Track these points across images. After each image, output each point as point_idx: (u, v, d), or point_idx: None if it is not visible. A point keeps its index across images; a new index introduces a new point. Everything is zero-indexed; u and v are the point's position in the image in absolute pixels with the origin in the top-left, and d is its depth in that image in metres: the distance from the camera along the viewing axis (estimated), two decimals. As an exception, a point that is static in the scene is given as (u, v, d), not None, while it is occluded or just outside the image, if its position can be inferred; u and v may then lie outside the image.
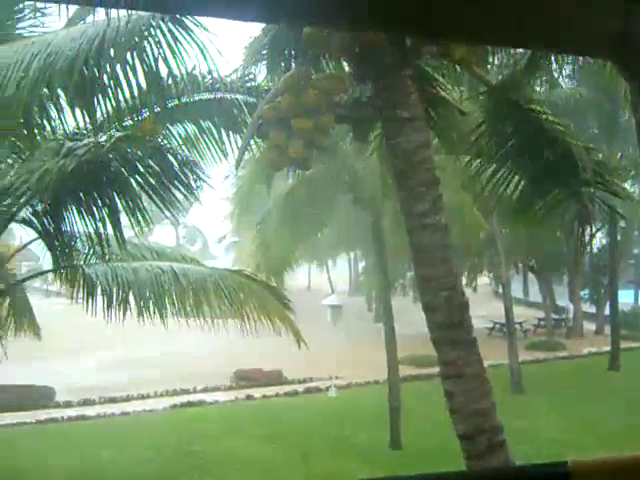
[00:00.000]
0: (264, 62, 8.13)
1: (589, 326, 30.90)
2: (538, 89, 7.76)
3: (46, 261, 9.96)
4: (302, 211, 15.54)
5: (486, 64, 7.76)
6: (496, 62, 7.99)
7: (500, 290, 26.14)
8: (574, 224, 7.78)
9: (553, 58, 7.70)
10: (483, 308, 26.90)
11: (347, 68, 7.23)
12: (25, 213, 8.50)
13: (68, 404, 18.98)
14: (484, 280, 33.52)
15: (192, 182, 8.61)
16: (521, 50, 7.37)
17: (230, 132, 8.85)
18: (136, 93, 7.19)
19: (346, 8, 2.48)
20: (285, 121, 5.92)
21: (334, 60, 6.95)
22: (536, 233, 19.69)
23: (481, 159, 7.98)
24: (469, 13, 1.96)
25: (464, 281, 24.47)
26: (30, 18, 9.44)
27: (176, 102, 8.57)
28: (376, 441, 14.03)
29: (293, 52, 7.37)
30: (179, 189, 8.50)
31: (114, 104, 7.30)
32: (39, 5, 8.83)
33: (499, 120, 7.40)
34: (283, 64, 7.61)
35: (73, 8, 8.14)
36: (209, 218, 57.79)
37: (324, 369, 20.41)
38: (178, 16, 6.46)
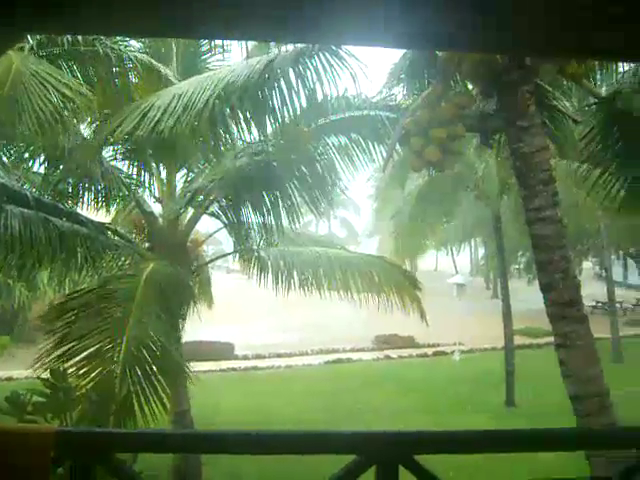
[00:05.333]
0: (402, 84, 8.04)
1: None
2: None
3: (228, 245, 10.30)
4: (431, 205, 15.34)
5: (593, 79, 7.36)
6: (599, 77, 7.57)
7: (601, 273, 24.77)
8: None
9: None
10: (586, 289, 25.52)
11: (470, 86, 7.03)
12: (213, 208, 8.80)
13: (245, 357, 19.67)
14: (586, 264, 31.88)
15: (331, 185, 8.70)
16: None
17: (375, 143, 8.83)
18: (298, 111, 7.28)
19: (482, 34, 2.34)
20: (423, 131, 5.82)
21: (463, 79, 6.76)
22: (636, 223, 18.44)
23: (591, 162, 7.59)
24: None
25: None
26: (216, 54, 9.77)
27: (331, 118, 8.64)
28: (494, 398, 13.67)
29: (427, 74, 7.25)
30: (322, 190, 8.61)
31: (280, 119, 7.41)
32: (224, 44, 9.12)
33: (607, 128, 6.98)
34: (418, 84, 7.50)
35: (251, 45, 8.38)
36: (358, 212, 58.49)
37: (450, 336, 20.08)
38: (334, 47, 6.48)
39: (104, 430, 2.76)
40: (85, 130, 8.58)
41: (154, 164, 8.88)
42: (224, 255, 12.23)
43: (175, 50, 9.30)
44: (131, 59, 7.43)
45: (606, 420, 5.54)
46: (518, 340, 16.57)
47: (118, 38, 7.28)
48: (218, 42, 8.86)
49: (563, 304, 5.66)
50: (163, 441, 2.05)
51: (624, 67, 7.31)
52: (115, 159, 8.73)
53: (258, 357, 19.70)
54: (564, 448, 2.28)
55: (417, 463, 1.88)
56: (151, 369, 6.25)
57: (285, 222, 8.83)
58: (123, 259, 8.39)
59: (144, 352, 6.27)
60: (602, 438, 2.48)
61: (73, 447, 1.89)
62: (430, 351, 20.45)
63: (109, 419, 5.72)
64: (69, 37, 6.69)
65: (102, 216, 8.80)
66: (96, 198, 8.37)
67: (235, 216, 8.72)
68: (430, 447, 1.98)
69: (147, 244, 8.89)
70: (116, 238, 8.58)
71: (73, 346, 6.29)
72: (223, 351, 19.40)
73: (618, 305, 23.25)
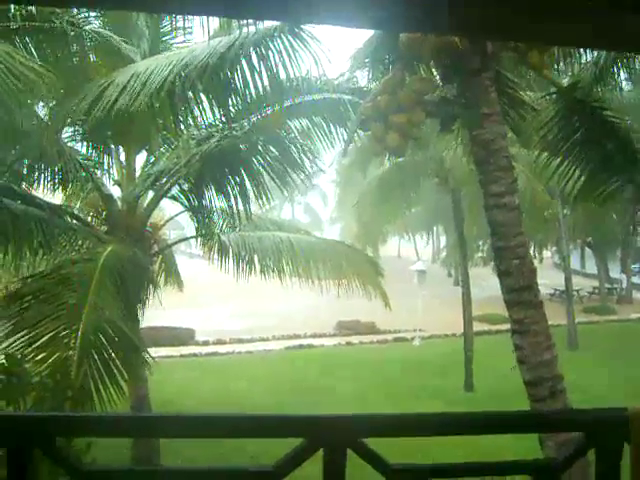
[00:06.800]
0: (366, 68, 8.04)
1: (637, 295, 29.92)
2: (602, 90, 7.36)
3: (190, 229, 10.21)
4: (393, 192, 15.41)
5: (556, 69, 7.46)
6: (562, 67, 7.67)
7: (560, 262, 25.25)
8: (631, 207, 7.42)
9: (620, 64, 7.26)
10: (545, 277, 26.01)
11: (434, 71, 7.05)
12: (174, 191, 8.69)
13: (205, 343, 19.57)
14: (546, 254, 32.49)
15: (307, 167, 8.62)
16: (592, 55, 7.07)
17: (337, 126, 8.83)
18: (262, 93, 7.19)
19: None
20: (384, 116, 5.83)
21: (425, 64, 6.78)
22: (593, 213, 18.82)
23: (550, 151, 7.70)
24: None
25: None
26: (179, 35, 9.59)
27: (293, 101, 8.59)
28: (452, 383, 13.86)
29: (391, 59, 7.25)
30: (296, 172, 8.54)
31: (243, 101, 7.32)
32: (186, 25, 8.94)
33: (567, 117, 7.08)
34: (382, 69, 7.50)
35: (213, 27, 8.24)
36: (323, 198, 58.41)
37: (410, 322, 20.26)
38: (296, 29, 6.42)
39: (44, 414, 2.71)
40: (41, 110, 8.40)
41: (113, 146, 8.73)
42: (184, 239, 12.12)
43: (138, 30, 9.12)
44: (90, 36, 7.26)
45: (558, 404, 5.66)
46: (477, 326, 16.82)
47: (75, 12, 7.10)
48: (180, 23, 8.78)
49: (519, 290, 5.75)
50: (98, 423, 2.02)
51: (586, 57, 7.42)
52: (73, 140, 8.56)
53: (219, 343, 19.63)
54: (514, 430, 2.33)
55: (365, 446, 1.90)
56: (109, 355, 6.17)
57: (252, 206, 8.77)
58: (80, 243, 8.25)
59: (101, 337, 6.18)
60: (551, 421, 2.53)
61: (10, 431, 1.86)
62: (391, 337, 20.63)
63: (65, 405, 5.64)
64: (24, 11, 6.50)
65: (59, 199, 8.63)
66: (53, 180, 8.20)
67: (197, 200, 8.63)
68: (378, 430, 2.00)
69: (105, 227, 8.76)
70: (73, 221, 8.43)
71: (29, 332, 6.17)
72: (184, 337, 19.30)
73: (575, 293, 23.77)
